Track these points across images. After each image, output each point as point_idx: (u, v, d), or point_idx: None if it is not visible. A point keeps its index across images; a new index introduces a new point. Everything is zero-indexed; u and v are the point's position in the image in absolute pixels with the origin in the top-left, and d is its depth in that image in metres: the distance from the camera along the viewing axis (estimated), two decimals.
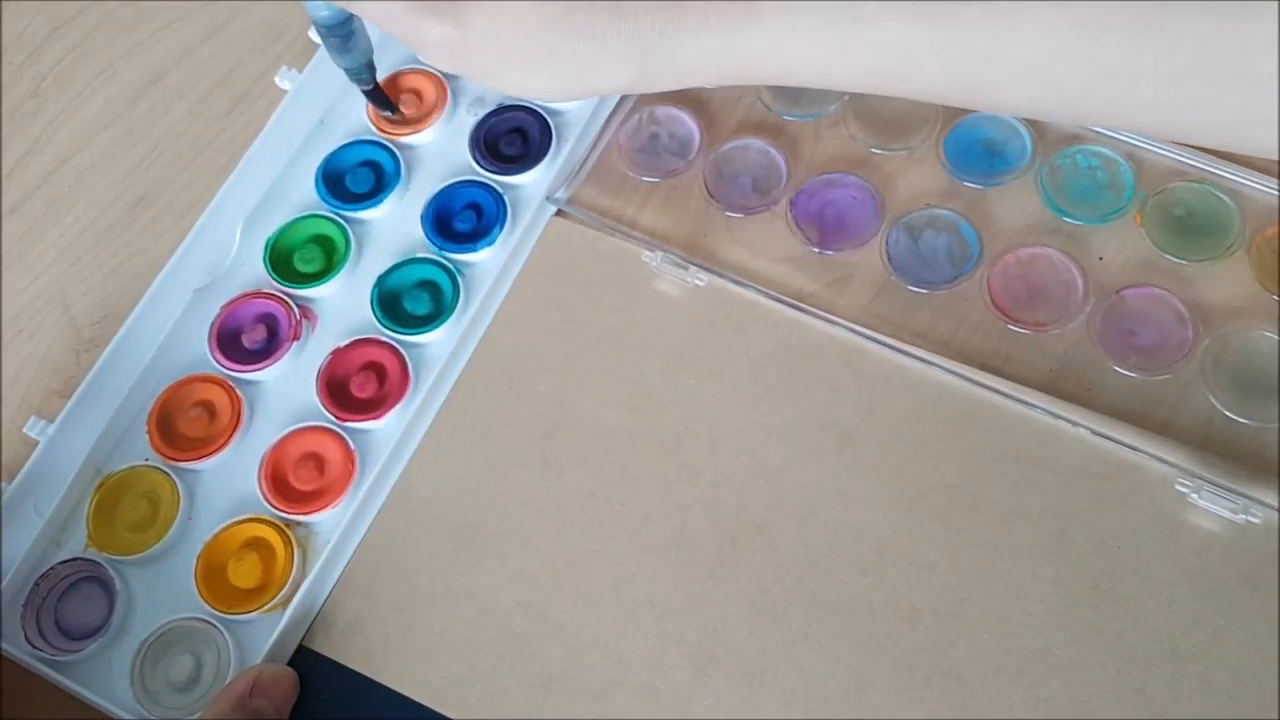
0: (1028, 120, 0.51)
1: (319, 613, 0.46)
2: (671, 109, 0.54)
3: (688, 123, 0.54)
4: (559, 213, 0.53)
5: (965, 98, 0.38)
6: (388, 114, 0.53)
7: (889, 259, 0.49)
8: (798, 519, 0.45)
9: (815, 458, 0.46)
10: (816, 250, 0.50)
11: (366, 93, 0.50)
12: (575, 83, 0.41)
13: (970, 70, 0.37)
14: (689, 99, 0.54)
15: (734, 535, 0.45)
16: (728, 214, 0.51)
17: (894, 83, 0.38)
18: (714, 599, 0.44)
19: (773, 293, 0.49)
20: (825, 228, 0.50)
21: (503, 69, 0.41)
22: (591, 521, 0.46)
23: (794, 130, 0.53)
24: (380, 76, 0.56)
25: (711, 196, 0.52)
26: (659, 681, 0.42)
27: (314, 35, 0.57)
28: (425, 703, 0.44)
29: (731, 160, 0.53)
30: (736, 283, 0.49)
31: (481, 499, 0.47)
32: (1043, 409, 0.46)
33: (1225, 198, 0.49)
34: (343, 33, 0.46)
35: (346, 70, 0.48)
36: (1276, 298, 0.47)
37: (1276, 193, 0.49)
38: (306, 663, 0.45)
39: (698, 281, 0.50)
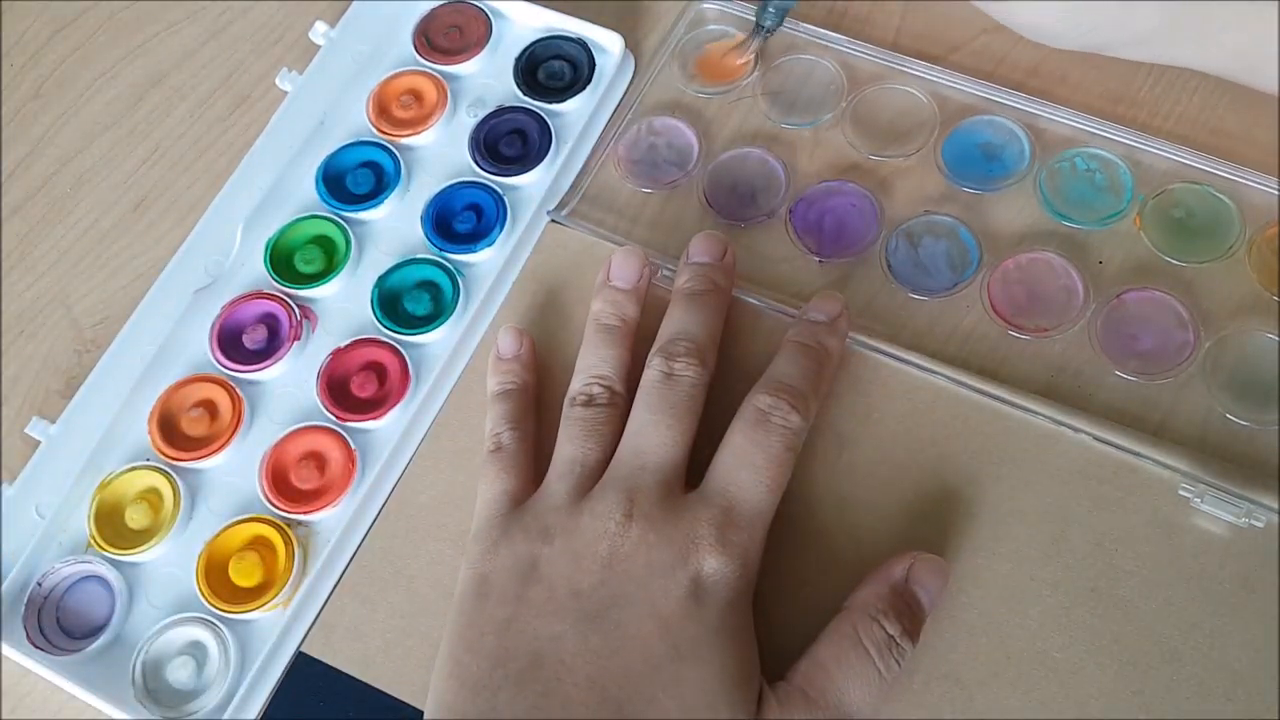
0: (1026, 124, 0.51)
1: (318, 618, 0.46)
2: (669, 119, 0.54)
3: (686, 133, 0.54)
4: (556, 222, 0.53)
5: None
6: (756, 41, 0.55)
7: (889, 266, 0.49)
8: (796, 525, 0.45)
9: (812, 463, 0.46)
10: (816, 258, 0.50)
11: (760, 29, 0.53)
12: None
13: None
14: (687, 109, 0.54)
15: None
16: (727, 223, 0.51)
17: None
18: None
19: (772, 301, 0.49)
20: (825, 236, 0.50)
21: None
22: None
23: (792, 138, 0.53)
24: (380, 77, 0.56)
25: (710, 206, 0.52)
26: None
27: (318, 34, 0.57)
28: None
29: (730, 170, 0.53)
30: (737, 292, 0.49)
31: None
32: (1042, 414, 0.46)
33: (1224, 198, 0.49)
34: None
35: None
36: (1277, 299, 0.47)
37: (1276, 193, 0.49)
38: (305, 668, 0.45)
39: None
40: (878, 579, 0.42)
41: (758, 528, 0.42)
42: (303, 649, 0.46)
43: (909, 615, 0.41)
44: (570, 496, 0.43)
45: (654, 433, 0.43)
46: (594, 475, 0.43)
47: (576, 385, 0.46)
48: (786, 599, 0.44)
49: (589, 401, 0.45)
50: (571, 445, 0.44)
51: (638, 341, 0.47)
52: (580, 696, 0.38)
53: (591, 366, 0.46)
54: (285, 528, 0.47)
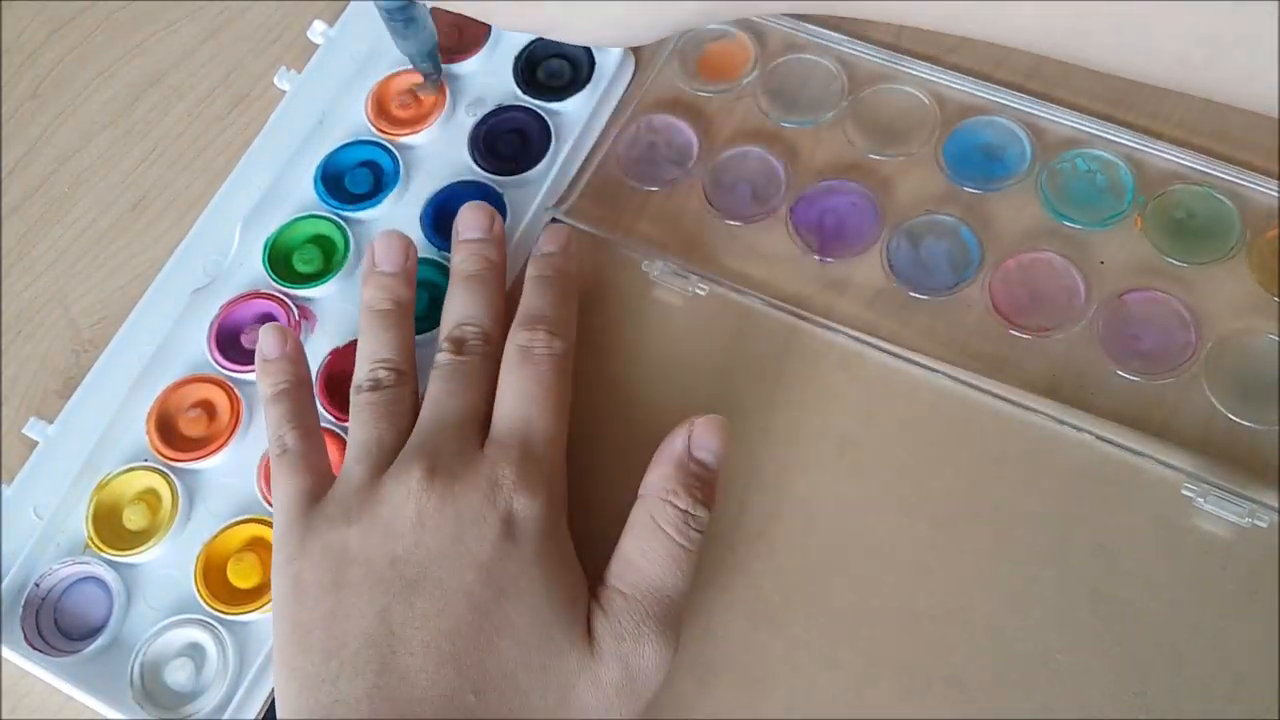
0: (1027, 125, 0.51)
1: None
2: (669, 117, 0.54)
3: (685, 131, 0.54)
4: (556, 220, 0.52)
5: (1058, 46, 0.38)
6: (426, 90, 0.55)
7: (890, 266, 0.49)
8: (797, 526, 0.45)
9: (814, 464, 0.46)
10: (817, 257, 0.50)
11: (428, 77, 0.53)
12: (645, 13, 0.41)
13: (1065, 18, 0.36)
14: (686, 106, 0.54)
15: (733, 544, 0.45)
16: (727, 222, 0.51)
17: (983, 23, 0.38)
18: (714, 607, 0.44)
19: (773, 300, 0.49)
20: (825, 235, 0.50)
21: (570, 10, 0.41)
22: (588, 531, 0.46)
23: (792, 137, 0.53)
24: (379, 76, 0.56)
25: (711, 204, 0.52)
26: (659, 691, 0.41)
27: (316, 33, 0.57)
28: None
29: (730, 168, 0.52)
30: (737, 291, 0.49)
31: None
32: (1044, 413, 0.46)
33: (1225, 200, 0.49)
34: (403, 17, 0.48)
35: (409, 56, 0.51)
36: (1277, 299, 0.47)
37: (1276, 194, 0.49)
38: None
39: (699, 290, 0.50)
40: (661, 459, 0.43)
41: (554, 453, 0.43)
42: None
43: (698, 484, 0.42)
44: (369, 476, 0.42)
45: (449, 399, 0.44)
46: (391, 454, 0.43)
47: (360, 374, 0.46)
48: (791, 599, 0.44)
49: (375, 386, 0.45)
50: (364, 429, 0.44)
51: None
52: (418, 662, 0.38)
53: (373, 353, 0.46)
54: None
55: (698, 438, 0.43)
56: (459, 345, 0.45)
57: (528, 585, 0.40)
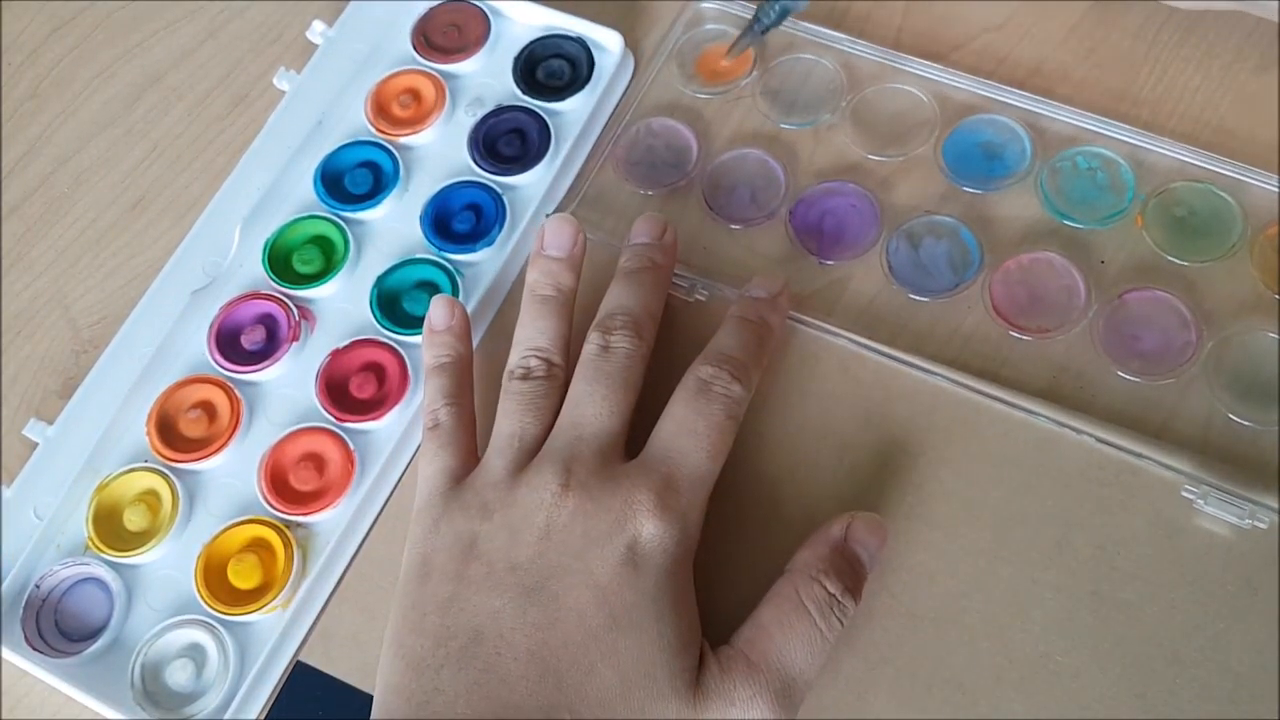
0: (1027, 123, 0.51)
1: (317, 626, 0.46)
2: (668, 120, 0.54)
3: (685, 134, 0.53)
4: None
5: None
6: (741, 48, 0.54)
7: (889, 268, 0.49)
8: (796, 529, 0.45)
9: (813, 467, 0.46)
10: (817, 260, 0.50)
11: (762, 30, 0.52)
12: None
13: None
14: (686, 109, 0.54)
15: (731, 548, 0.45)
16: (727, 225, 0.51)
17: None
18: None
19: None
20: (825, 237, 0.50)
21: None
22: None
23: (791, 139, 0.53)
24: (378, 76, 0.56)
25: (710, 208, 0.52)
26: None
27: (315, 34, 0.57)
28: None
29: (729, 171, 0.52)
30: (738, 294, 0.49)
31: None
32: (1044, 415, 0.46)
33: (1226, 197, 0.49)
34: None
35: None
36: (1278, 298, 0.47)
37: (1278, 191, 0.49)
38: (305, 674, 0.45)
39: (700, 296, 0.50)
40: (817, 540, 0.42)
41: (698, 493, 0.42)
42: (302, 658, 0.45)
43: (850, 574, 0.41)
44: (508, 471, 0.43)
45: (590, 403, 0.43)
46: (532, 449, 0.43)
47: (514, 358, 0.46)
48: None
49: (526, 375, 0.45)
50: (509, 420, 0.44)
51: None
52: (520, 670, 0.38)
53: (528, 339, 0.46)
54: (284, 529, 0.47)
55: (857, 533, 0.42)
56: (606, 335, 0.45)
57: (641, 618, 0.39)
